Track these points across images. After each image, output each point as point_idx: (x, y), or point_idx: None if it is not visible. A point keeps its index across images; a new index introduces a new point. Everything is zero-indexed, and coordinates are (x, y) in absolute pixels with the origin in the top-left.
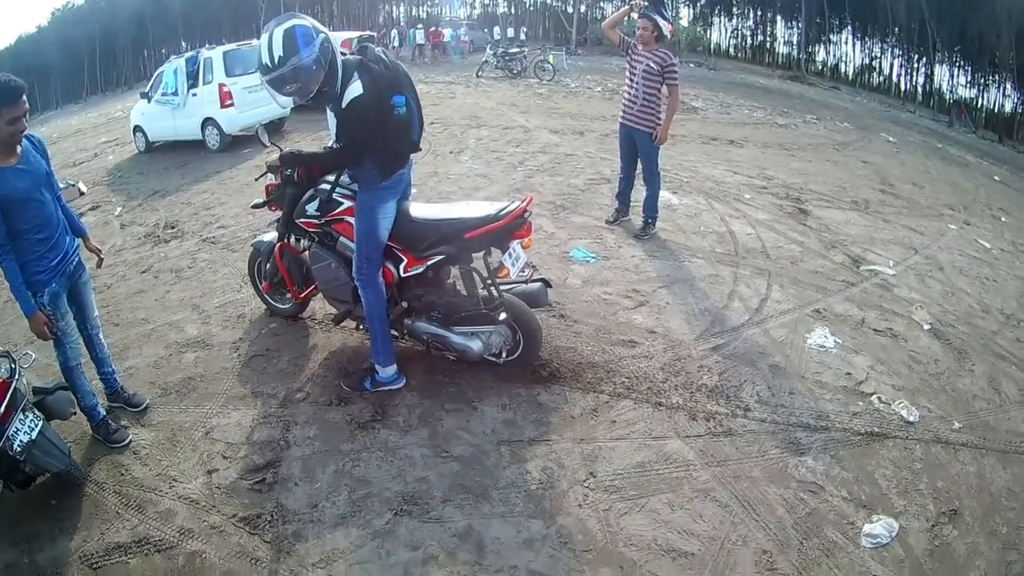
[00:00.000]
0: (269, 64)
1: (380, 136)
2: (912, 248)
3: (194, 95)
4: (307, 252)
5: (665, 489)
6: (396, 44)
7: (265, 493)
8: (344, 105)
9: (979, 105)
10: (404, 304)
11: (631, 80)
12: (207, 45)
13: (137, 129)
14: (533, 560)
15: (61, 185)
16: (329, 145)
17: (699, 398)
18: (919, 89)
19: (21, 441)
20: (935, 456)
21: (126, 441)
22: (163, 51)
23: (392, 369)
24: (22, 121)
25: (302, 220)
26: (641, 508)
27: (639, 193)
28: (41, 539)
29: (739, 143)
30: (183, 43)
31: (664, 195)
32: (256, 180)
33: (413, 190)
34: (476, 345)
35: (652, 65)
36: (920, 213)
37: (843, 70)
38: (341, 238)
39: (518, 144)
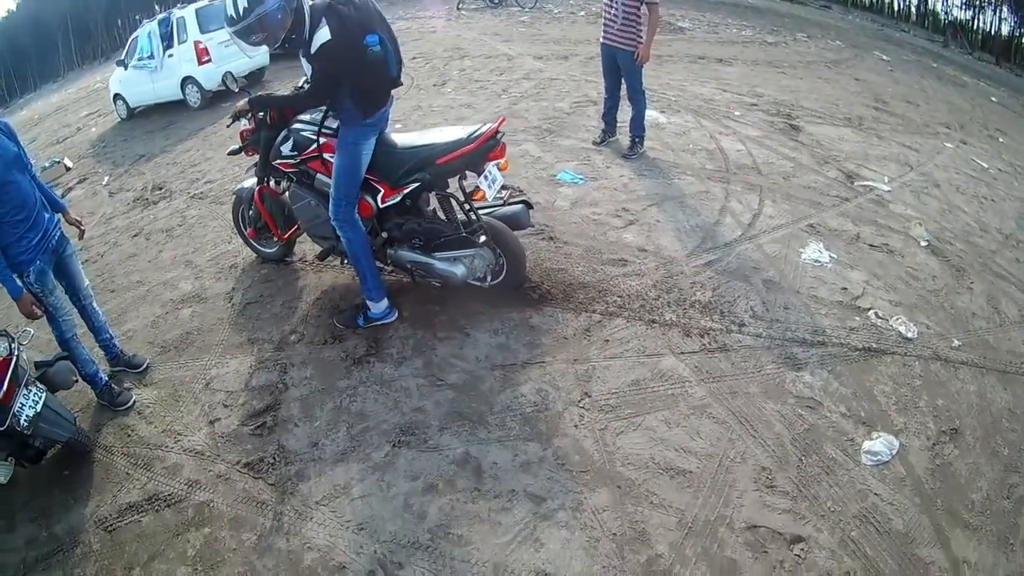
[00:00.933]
0: (234, 16)
1: (356, 75)
2: (907, 165)
3: (170, 56)
4: (287, 193)
5: (661, 407)
6: None
7: (266, 437)
8: (313, 51)
9: (975, 27)
10: (384, 235)
11: (611, 2)
12: (179, 5)
13: (117, 97)
14: (531, 483)
15: (46, 163)
16: (299, 86)
17: (692, 314)
18: (912, 9)
19: (27, 416)
20: (934, 373)
21: (130, 403)
22: (136, 17)
23: (384, 304)
24: None
25: (279, 161)
26: (637, 427)
27: (625, 114)
28: (57, 510)
29: (728, 61)
30: (156, 6)
31: (652, 114)
32: (228, 127)
33: (397, 124)
34: (459, 270)
35: None
36: (915, 131)
37: None
38: (318, 175)
39: (502, 72)
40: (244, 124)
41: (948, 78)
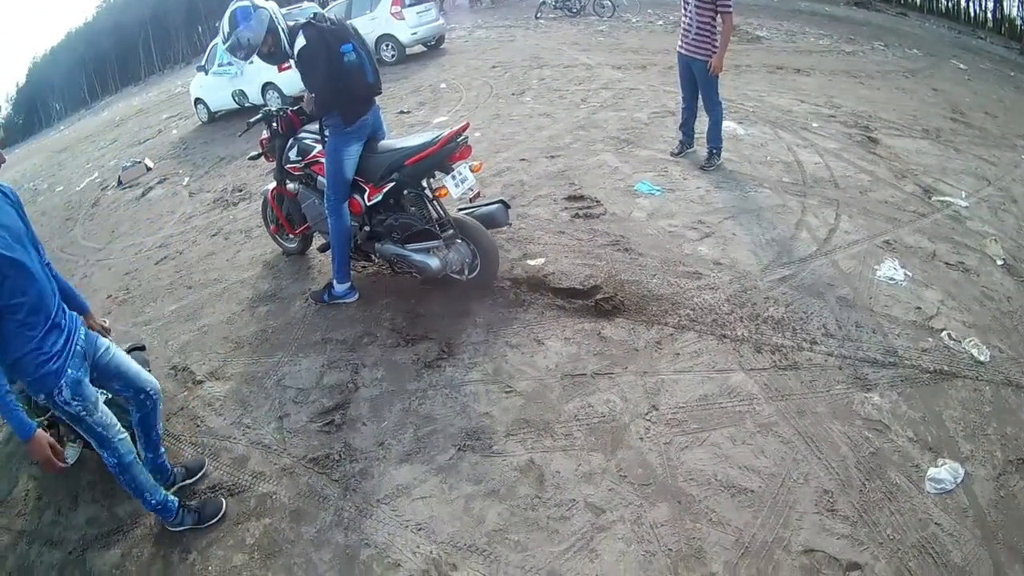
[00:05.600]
0: (224, 39)
1: (338, 80)
2: (985, 179)
3: (251, 62)
4: (297, 194)
5: (727, 423)
6: None
7: (334, 434)
8: (295, 57)
9: None
10: (367, 228)
11: (685, 9)
12: None
13: (198, 101)
14: (592, 494)
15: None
16: (307, 96)
17: (764, 330)
18: (989, 15)
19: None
20: (1005, 400)
21: (222, 511)
22: (216, 24)
23: (347, 285)
24: None
25: (288, 165)
26: (702, 442)
27: (704, 124)
28: (120, 493)
29: (805, 71)
30: None
31: (730, 125)
32: (240, 135)
33: (477, 133)
34: (434, 262)
35: None
36: (993, 143)
37: None
38: (319, 177)
39: (580, 82)
40: (265, 134)
41: None
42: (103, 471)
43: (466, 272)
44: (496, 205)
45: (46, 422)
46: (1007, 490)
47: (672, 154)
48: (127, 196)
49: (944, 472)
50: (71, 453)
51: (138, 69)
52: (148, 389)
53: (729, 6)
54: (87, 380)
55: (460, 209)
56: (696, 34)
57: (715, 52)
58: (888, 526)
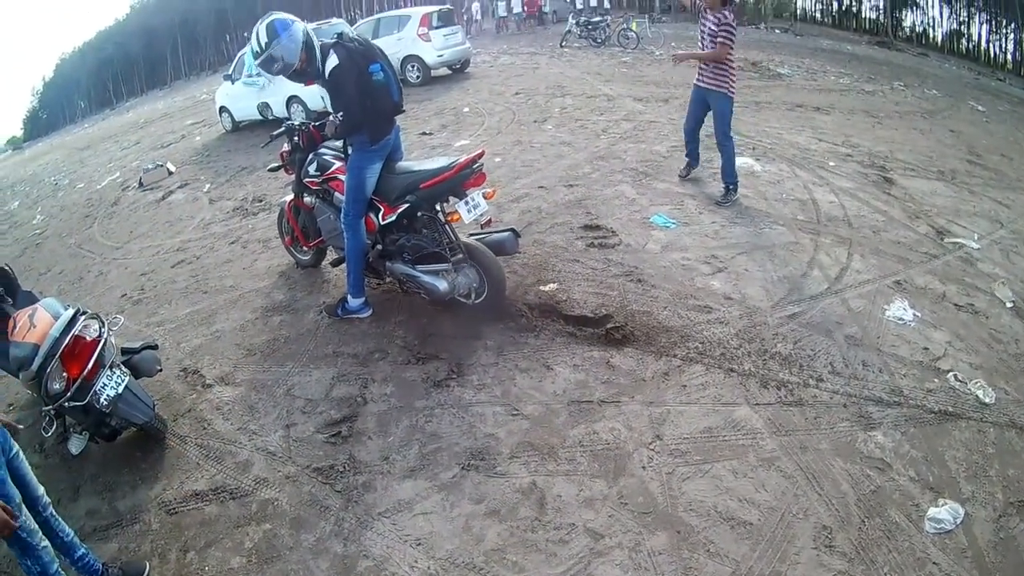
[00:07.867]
0: (258, 50)
1: (367, 98)
2: (998, 222)
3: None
4: (314, 208)
5: (730, 456)
6: (478, 17)
7: (339, 446)
8: (327, 76)
9: None
10: (379, 247)
11: (701, 43)
12: None
13: (223, 110)
14: (592, 519)
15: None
16: (332, 118)
17: (772, 366)
18: (1008, 56)
19: (108, 395)
20: (1009, 442)
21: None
22: (244, 34)
23: (360, 300)
24: None
25: (307, 180)
26: (704, 474)
27: (712, 151)
28: (123, 487)
29: (824, 110)
30: None
31: (747, 162)
32: (263, 147)
33: (497, 159)
34: (442, 284)
35: (712, 27)
36: (1008, 185)
37: (931, 35)
38: (336, 193)
39: (602, 112)
40: (286, 146)
41: None
42: (106, 465)
43: (473, 296)
44: (506, 233)
45: (53, 412)
46: (1007, 532)
47: (680, 176)
48: (147, 198)
49: (944, 512)
50: (76, 444)
51: (165, 73)
52: (38, 506)
53: (727, 39)
54: (8, 479)
55: (471, 235)
56: (714, 68)
57: (733, 83)
58: (885, 564)
